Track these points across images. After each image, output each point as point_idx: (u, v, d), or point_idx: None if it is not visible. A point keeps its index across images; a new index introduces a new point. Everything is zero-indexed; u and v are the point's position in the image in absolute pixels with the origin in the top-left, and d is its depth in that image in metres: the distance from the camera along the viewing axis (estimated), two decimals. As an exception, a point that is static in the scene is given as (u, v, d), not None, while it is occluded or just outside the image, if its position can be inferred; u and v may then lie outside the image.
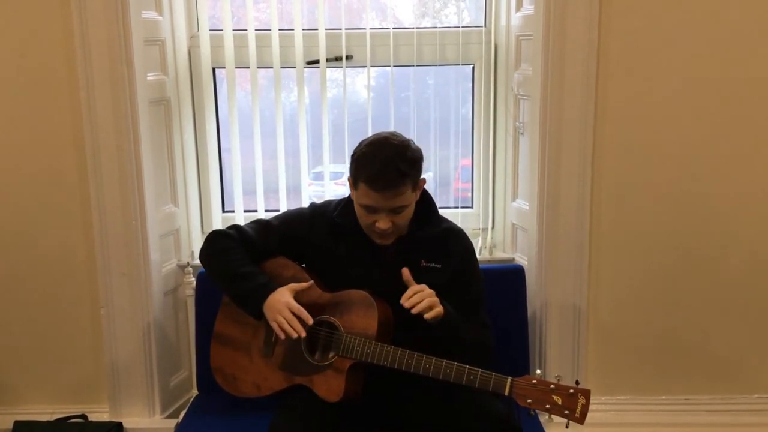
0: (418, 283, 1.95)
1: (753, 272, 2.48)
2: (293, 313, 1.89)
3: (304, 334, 1.89)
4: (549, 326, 2.48)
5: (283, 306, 1.90)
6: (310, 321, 1.90)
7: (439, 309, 1.83)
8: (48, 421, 2.51)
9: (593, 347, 2.53)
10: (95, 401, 2.58)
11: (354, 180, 1.89)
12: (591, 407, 1.72)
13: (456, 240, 2.03)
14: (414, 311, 1.80)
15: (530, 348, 2.44)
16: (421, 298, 1.82)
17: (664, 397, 2.57)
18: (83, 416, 2.54)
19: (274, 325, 1.90)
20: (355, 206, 1.93)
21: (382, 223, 1.88)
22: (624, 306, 2.50)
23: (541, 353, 2.51)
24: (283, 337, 1.90)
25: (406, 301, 1.81)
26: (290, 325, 1.88)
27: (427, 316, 1.80)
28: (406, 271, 1.88)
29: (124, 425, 2.51)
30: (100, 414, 2.56)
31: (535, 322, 2.49)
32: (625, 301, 2.50)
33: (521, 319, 2.39)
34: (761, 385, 2.57)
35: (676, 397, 2.57)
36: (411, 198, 1.90)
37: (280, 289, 1.94)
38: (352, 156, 1.91)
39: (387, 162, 1.82)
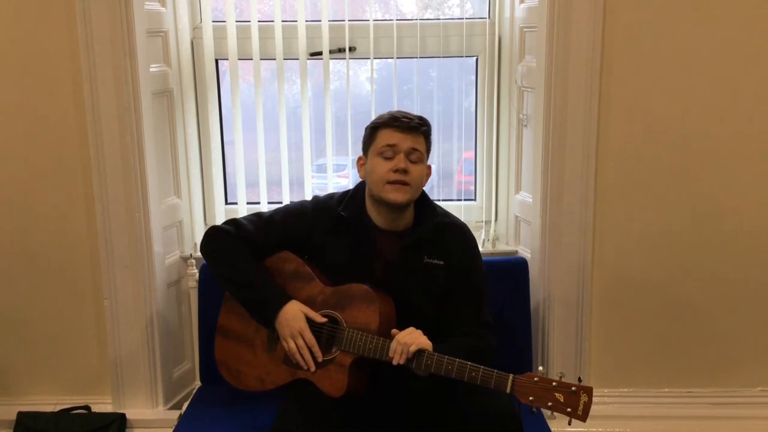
0: (422, 279, 1.97)
1: (757, 265, 2.47)
2: (306, 343, 1.92)
3: (314, 368, 1.92)
4: (552, 319, 2.48)
5: (297, 333, 1.92)
6: (320, 358, 1.92)
7: (418, 344, 1.80)
8: (51, 412, 2.52)
9: (596, 340, 2.53)
10: (98, 392, 2.58)
11: (372, 136, 1.95)
12: (593, 400, 1.71)
13: (459, 236, 2.03)
14: (394, 362, 1.82)
15: (533, 340, 2.44)
16: (401, 345, 1.81)
17: (666, 389, 2.57)
18: (86, 407, 2.55)
19: (285, 346, 1.94)
20: (371, 165, 1.94)
21: (402, 162, 1.90)
22: (627, 299, 2.50)
23: (544, 346, 2.51)
24: (295, 363, 1.94)
25: (396, 359, 1.82)
26: (302, 354, 1.92)
27: (408, 351, 1.80)
28: (394, 332, 1.86)
29: (128, 416, 2.51)
30: (103, 405, 2.56)
31: (538, 314, 2.49)
32: (627, 295, 2.50)
33: (524, 311, 2.38)
34: (764, 378, 2.57)
35: (678, 390, 2.57)
36: (425, 156, 1.96)
37: (292, 307, 1.95)
38: (366, 127, 1.99)
39: (405, 112, 1.98)
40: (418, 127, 1.93)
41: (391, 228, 1.99)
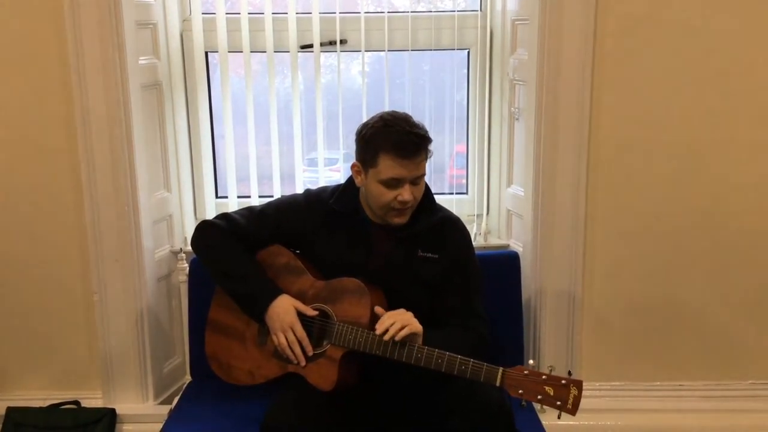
0: (416, 273, 1.96)
1: (748, 260, 2.48)
2: (296, 337, 1.91)
3: (304, 363, 1.91)
4: (543, 312, 2.48)
5: (288, 326, 1.92)
6: (311, 352, 1.91)
7: (412, 326, 1.80)
8: (41, 408, 2.50)
9: (587, 333, 2.53)
10: (88, 387, 2.57)
11: (373, 157, 1.85)
12: (585, 393, 1.71)
13: (453, 230, 2.02)
14: (386, 337, 1.79)
15: (524, 334, 2.44)
16: (393, 319, 1.80)
17: (657, 383, 2.58)
18: (76, 402, 2.54)
19: (276, 340, 1.93)
20: (372, 187, 1.89)
21: (407, 194, 1.86)
22: (618, 292, 2.50)
23: (535, 339, 2.51)
24: (286, 357, 1.93)
25: (379, 327, 1.80)
26: (292, 349, 1.91)
27: (401, 335, 1.78)
28: (379, 310, 1.86)
29: (118, 411, 2.50)
30: (93, 400, 2.55)
31: (529, 308, 2.49)
32: (619, 288, 2.50)
33: (516, 305, 2.38)
34: (755, 371, 2.58)
35: (669, 383, 2.58)
36: (426, 168, 1.91)
37: (283, 301, 1.94)
38: (363, 137, 1.88)
39: (407, 129, 1.84)
40: (422, 150, 1.84)
41: (386, 223, 1.98)
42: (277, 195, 2.58)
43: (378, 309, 1.86)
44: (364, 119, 2.46)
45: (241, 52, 2.51)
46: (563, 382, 1.70)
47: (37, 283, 2.50)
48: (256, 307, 1.96)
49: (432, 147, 1.90)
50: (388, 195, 1.87)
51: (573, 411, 1.70)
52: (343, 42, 2.53)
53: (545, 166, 2.37)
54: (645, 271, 2.49)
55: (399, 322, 1.80)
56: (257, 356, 2.01)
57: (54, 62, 2.31)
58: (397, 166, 1.83)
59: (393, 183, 1.86)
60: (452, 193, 2.69)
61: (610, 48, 2.30)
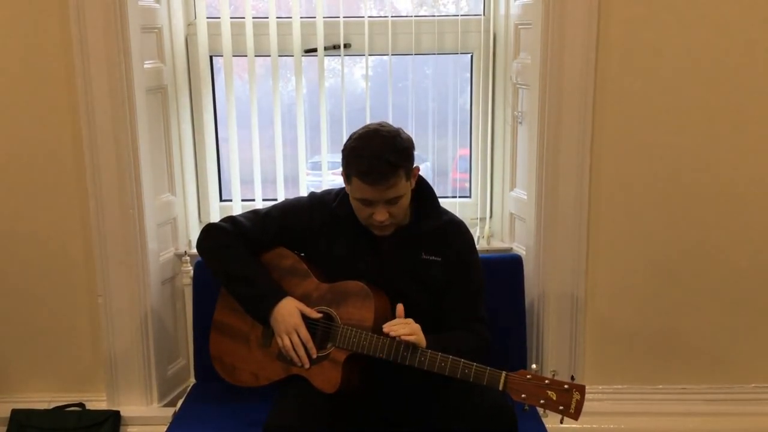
0: (418, 275, 1.97)
1: (750, 263, 2.48)
2: (301, 339, 1.92)
3: (308, 365, 1.92)
4: (546, 316, 2.48)
5: (292, 329, 1.92)
6: (315, 354, 1.92)
7: (418, 337, 1.81)
8: (46, 410, 2.51)
9: (590, 337, 2.53)
10: (93, 390, 2.58)
11: (346, 175, 1.88)
12: (587, 396, 1.72)
13: (457, 233, 2.03)
14: (392, 334, 1.79)
15: (528, 337, 2.44)
16: (403, 324, 1.81)
17: (660, 386, 2.58)
18: (81, 404, 2.54)
19: (280, 342, 1.93)
20: (351, 199, 1.92)
21: (379, 215, 1.87)
22: (621, 296, 2.51)
23: (538, 343, 2.51)
24: (290, 359, 1.94)
25: (387, 327, 1.81)
26: (296, 351, 1.92)
27: (405, 338, 1.79)
28: (400, 307, 1.87)
29: (122, 414, 2.51)
30: (97, 402, 2.56)
31: (532, 311, 2.49)
32: (622, 291, 2.50)
33: (519, 308, 2.38)
34: (757, 374, 2.58)
35: (672, 387, 2.58)
36: (405, 188, 1.88)
37: (288, 303, 1.95)
38: (343, 151, 1.89)
39: (377, 155, 1.80)
40: (390, 178, 1.81)
41: None
42: (280, 198, 2.59)
43: (399, 309, 1.87)
44: (367, 122, 2.49)
45: (246, 56, 2.52)
46: (566, 386, 1.70)
47: (42, 286, 2.51)
48: (260, 310, 1.97)
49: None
50: (365, 211, 1.89)
51: (575, 416, 1.70)
52: (346, 46, 2.54)
53: (548, 170, 2.38)
54: (648, 275, 2.49)
55: (408, 328, 1.81)
56: (261, 358, 2.02)
57: (59, 66, 2.32)
58: (366, 190, 1.83)
59: (366, 202, 1.87)
60: (455, 197, 2.70)
61: (612, 52, 2.31)
